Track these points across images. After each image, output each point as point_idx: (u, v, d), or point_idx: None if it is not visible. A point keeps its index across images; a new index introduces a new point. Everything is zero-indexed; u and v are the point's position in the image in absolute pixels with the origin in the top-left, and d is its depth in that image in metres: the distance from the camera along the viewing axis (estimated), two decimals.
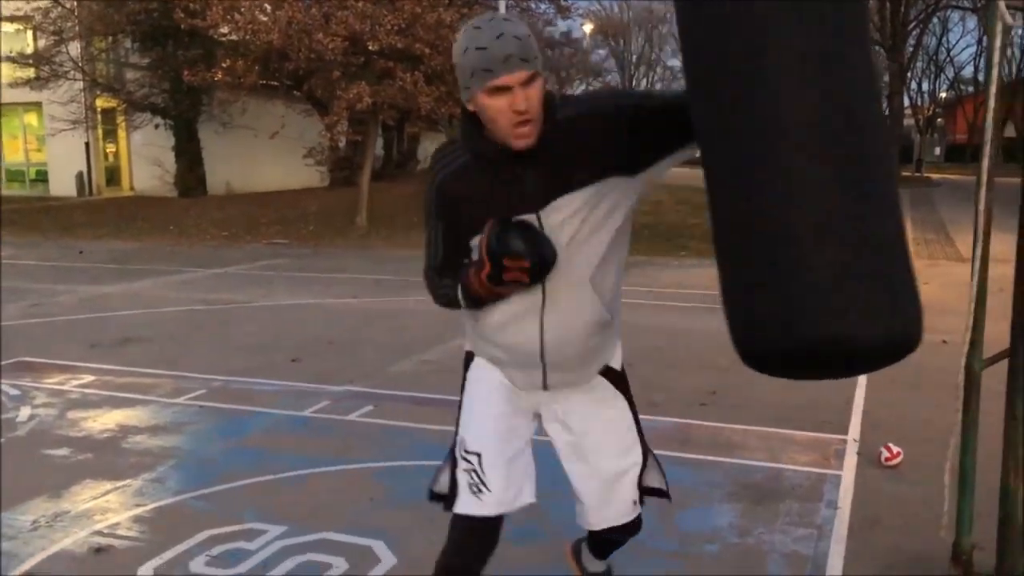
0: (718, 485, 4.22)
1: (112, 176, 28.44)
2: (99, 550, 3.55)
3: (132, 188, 27.55)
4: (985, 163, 2.25)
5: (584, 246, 2.05)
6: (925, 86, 58.27)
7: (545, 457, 4.44)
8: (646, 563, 3.41)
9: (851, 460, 4.56)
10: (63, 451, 4.75)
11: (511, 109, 1.88)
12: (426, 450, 4.24)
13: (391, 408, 5.36)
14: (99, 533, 3.70)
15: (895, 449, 4.47)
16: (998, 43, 1.97)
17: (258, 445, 4.85)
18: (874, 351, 1.56)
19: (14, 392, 5.89)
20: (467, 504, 2.24)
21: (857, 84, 1.56)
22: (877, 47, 45.23)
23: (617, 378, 2.35)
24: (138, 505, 4.01)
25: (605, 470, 2.36)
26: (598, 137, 1.97)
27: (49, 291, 10.27)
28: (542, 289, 2.07)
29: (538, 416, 2.38)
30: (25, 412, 5.45)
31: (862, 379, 6.12)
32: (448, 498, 2.30)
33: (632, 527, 2.45)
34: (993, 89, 2.03)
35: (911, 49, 36.76)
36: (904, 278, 1.56)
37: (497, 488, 2.23)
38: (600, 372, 2.31)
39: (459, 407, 2.35)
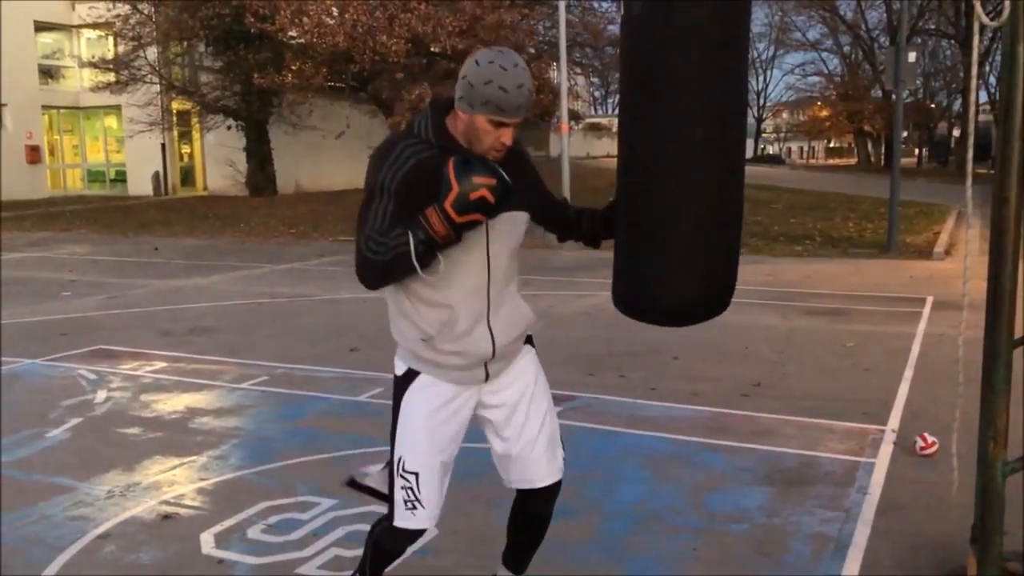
0: (750, 470, 4.34)
1: (187, 176, 29.43)
2: (166, 517, 3.85)
3: (205, 188, 28.46)
4: (969, 155, 2.37)
5: (513, 258, 2.51)
6: None
7: (579, 440, 4.63)
8: (671, 539, 3.58)
9: (887, 449, 4.64)
10: (135, 430, 5.10)
11: (499, 140, 2.31)
12: (467, 435, 4.44)
13: None
14: (166, 502, 4.01)
15: (930, 439, 4.53)
16: (976, 41, 2.09)
17: (314, 427, 5.13)
18: (700, 309, 2.35)
19: (92, 376, 6.30)
20: (403, 519, 2.55)
21: (732, 134, 2.21)
22: (950, 40, 44.12)
23: (529, 340, 2.71)
24: (202, 479, 4.32)
25: (547, 426, 2.66)
26: (529, 176, 2.52)
27: (126, 284, 10.81)
28: (487, 297, 2.43)
29: (473, 412, 2.61)
30: (102, 394, 5.84)
31: (907, 373, 6.16)
32: (389, 508, 2.59)
33: (557, 490, 2.71)
34: (974, 84, 2.13)
35: (988, 42, 35.68)
36: (729, 270, 2.35)
37: (430, 505, 2.54)
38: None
39: (394, 425, 2.55)
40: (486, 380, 2.54)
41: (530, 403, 2.62)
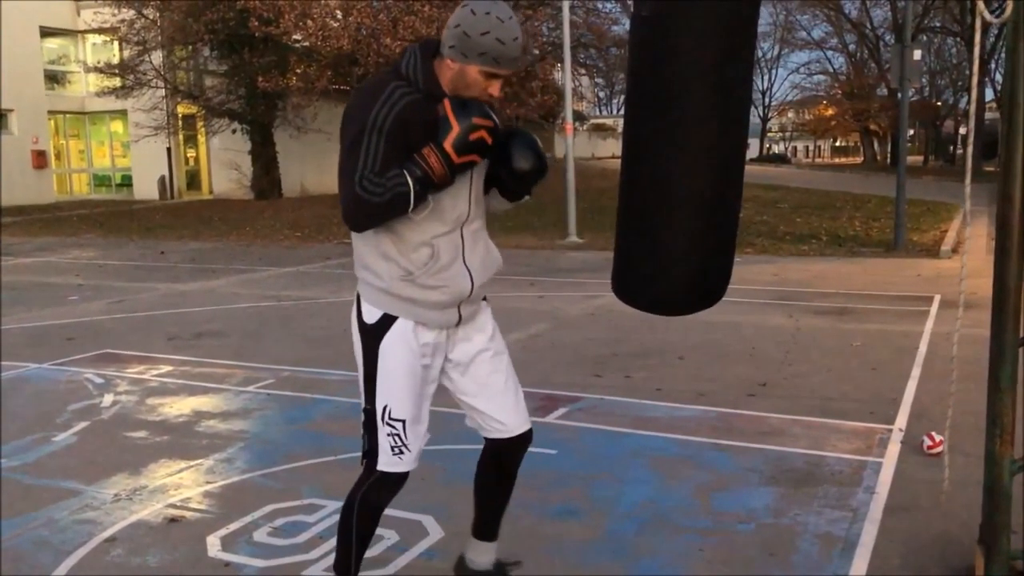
0: (757, 470, 4.33)
1: (192, 180, 29.51)
2: (172, 520, 3.86)
3: (211, 191, 28.52)
4: (969, 151, 2.37)
5: (482, 199, 2.52)
6: None
7: (585, 441, 4.62)
8: (677, 540, 3.57)
9: (894, 448, 4.62)
10: (142, 433, 5.11)
11: (486, 91, 2.32)
12: (471, 435, 4.44)
13: (443, 396, 5.59)
14: (173, 506, 4.02)
15: (938, 438, 4.51)
16: (978, 38, 2.09)
17: (320, 429, 5.13)
18: (688, 303, 2.44)
19: (99, 380, 6.32)
20: (391, 464, 2.59)
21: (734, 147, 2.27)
22: (955, 38, 43.99)
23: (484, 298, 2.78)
24: (208, 482, 4.32)
25: (513, 376, 2.74)
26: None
27: (132, 288, 10.83)
28: (461, 235, 2.46)
29: (444, 360, 2.67)
30: (108, 398, 5.85)
31: (914, 372, 6.14)
32: (368, 455, 2.61)
33: (530, 439, 2.79)
34: (975, 81, 2.14)
35: (993, 39, 35.57)
36: (721, 268, 2.39)
37: (415, 448, 2.60)
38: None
39: (372, 375, 2.56)
40: (458, 323, 2.58)
41: (494, 355, 2.69)
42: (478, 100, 2.30)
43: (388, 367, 2.53)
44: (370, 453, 2.60)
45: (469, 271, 2.51)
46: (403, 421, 2.54)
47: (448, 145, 2.23)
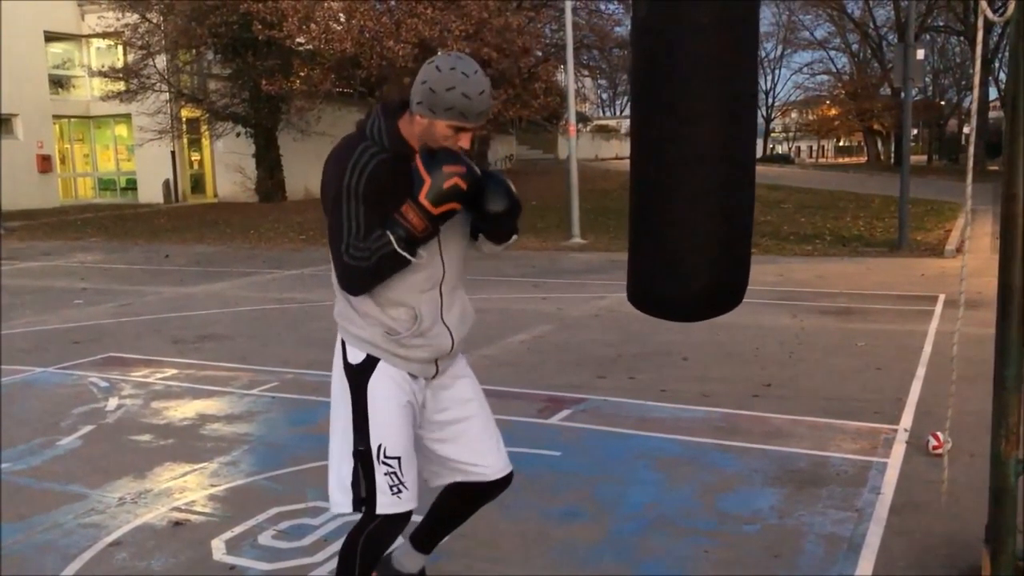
0: (761, 471, 4.32)
1: (197, 183, 29.54)
2: (177, 524, 3.86)
3: (215, 195, 28.54)
4: (971, 150, 2.37)
5: (461, 256, 2.53)
6: None
7: (590, 442, 4.63)
8: (682, 541, 3.56)
9: (899, 448, 4.61)
10: (147, 437, 5.12)
11: (457, 143, 2.35)
12: None
13: None
14: (178, 509, 4.02)
15: (943, 438, 4.50)
16: (980, 36, 2.09)
17: (325, 432, 5.07)
18: (704, 306, 2.36)
19: (104, 384, 6.33)
20: (390, 505, 2.53)
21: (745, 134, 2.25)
22: (959, 37, 43.93)
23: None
24: (213, 485, 4.33)
25: (492, 421, 2.75)
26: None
27: (137, 292, 10.85)
28: (439, 295, 2.49)
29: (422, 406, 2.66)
30: (113, 402, 5.86)
31: (919, 372, 6.13)
32: (367, 500, 2.53)
33: (511, 480, 2.79)
34: (977, 80, 2.14)
35: (997, 38, 35.50)
36: (736, 270, 2.32)
37: (412, 487, 2.55)
38: None
39: (364, 414, 2.50)
40: (434, 376, 2.60)
41: (471, 403, 2.70)
42: (448, 148, 2.32)
43: (379, 404, 2.51)
44: (367, 498, 2.54)
45: (448, 329, 2.54)
46: (399, 459, 2.52)
47: (423, 198, 2.25)
